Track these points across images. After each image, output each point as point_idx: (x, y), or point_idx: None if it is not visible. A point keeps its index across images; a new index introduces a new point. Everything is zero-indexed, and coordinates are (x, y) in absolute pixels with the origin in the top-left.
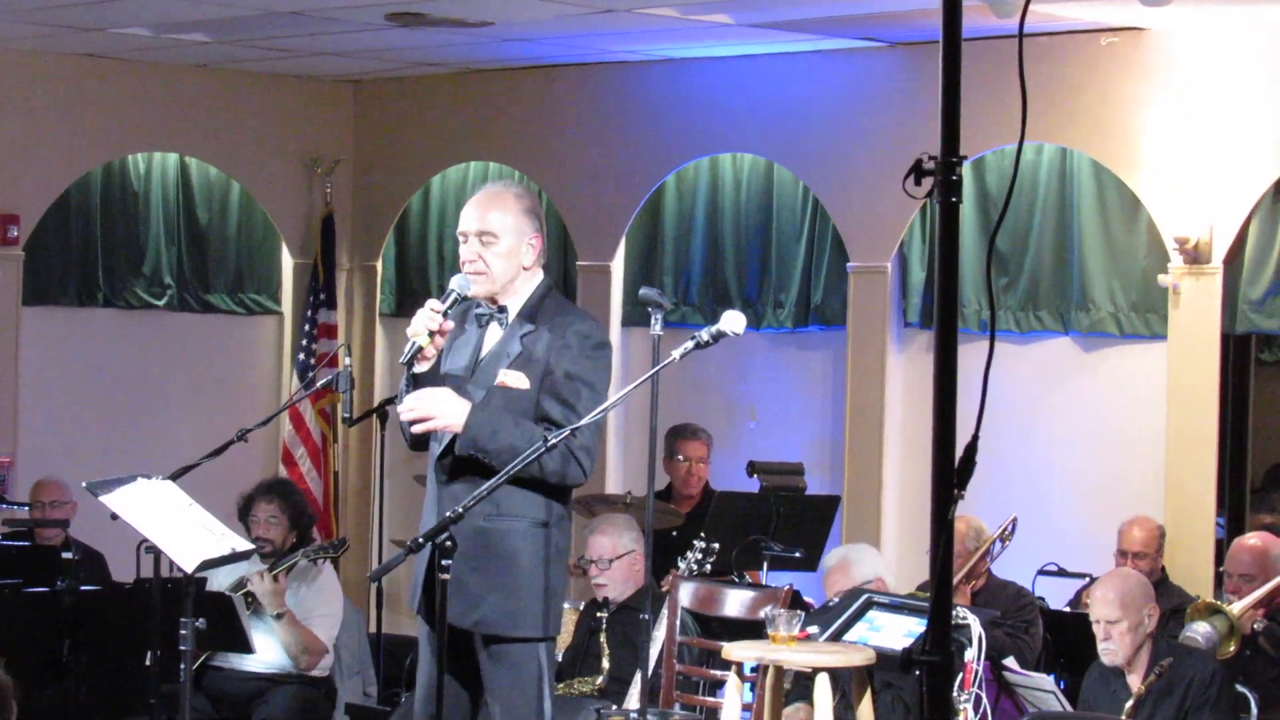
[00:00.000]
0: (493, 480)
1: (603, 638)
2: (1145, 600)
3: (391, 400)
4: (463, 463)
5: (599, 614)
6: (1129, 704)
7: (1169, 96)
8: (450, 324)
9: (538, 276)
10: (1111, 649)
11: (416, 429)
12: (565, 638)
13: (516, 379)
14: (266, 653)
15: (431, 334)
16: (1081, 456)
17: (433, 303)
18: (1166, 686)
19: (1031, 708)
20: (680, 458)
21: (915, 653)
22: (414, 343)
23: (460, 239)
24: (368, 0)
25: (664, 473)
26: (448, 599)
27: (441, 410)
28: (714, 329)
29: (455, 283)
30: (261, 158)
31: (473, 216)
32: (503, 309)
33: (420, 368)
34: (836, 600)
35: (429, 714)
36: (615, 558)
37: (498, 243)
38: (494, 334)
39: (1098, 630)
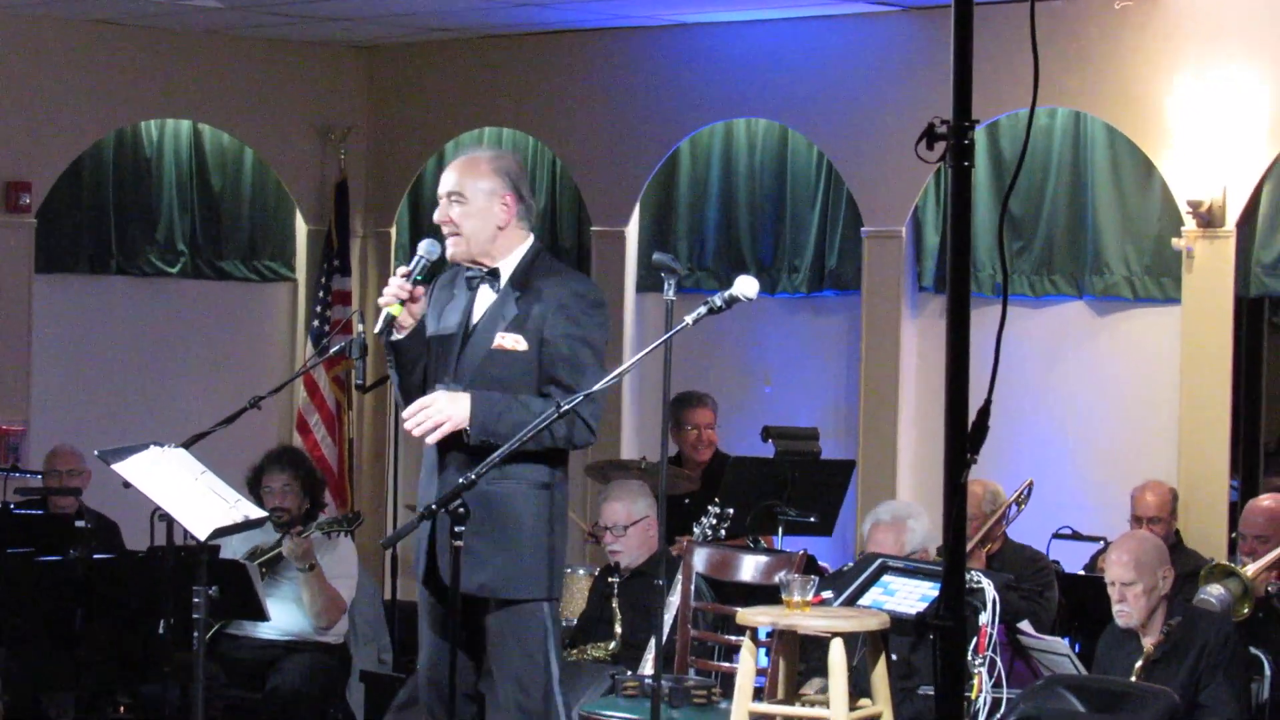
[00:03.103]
0: (504, 447)
1: (615, 604)
2: (1160, 562)
3: None
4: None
5: (611, 579)
6: (1138, 664)
7: (1182, 60)
8: (420, 290)
9: (528, 240)
10: (1126, 611)
11: (431, 440)
12: (579, 604)
13: (514, 341)
14: (282, 620)
15: (403, 302)
16: (1095, 420)
17: (401, 269)
18: (1180, 648)
19: (1046, 671)
20: (688, 426)
21: (929, 617)
22: (386, 313)
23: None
24: None
25: (673, 442)
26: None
27: (445, 413)
28: (728, 294)
29: (423, 248)
30: (275, 124)
31: (446, 179)
32: (494, 272)
33: (397, 336)
34: (850, 565)
35: (435, 681)
36: (630, 524)
37: (466, 203)
38: (485, 296)
39: (1112, 592)
